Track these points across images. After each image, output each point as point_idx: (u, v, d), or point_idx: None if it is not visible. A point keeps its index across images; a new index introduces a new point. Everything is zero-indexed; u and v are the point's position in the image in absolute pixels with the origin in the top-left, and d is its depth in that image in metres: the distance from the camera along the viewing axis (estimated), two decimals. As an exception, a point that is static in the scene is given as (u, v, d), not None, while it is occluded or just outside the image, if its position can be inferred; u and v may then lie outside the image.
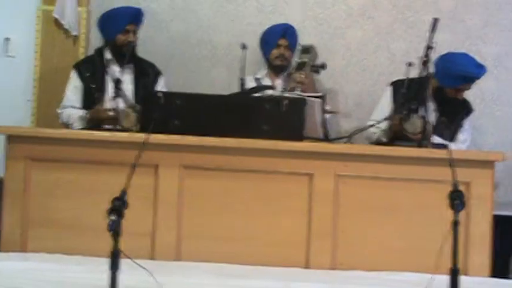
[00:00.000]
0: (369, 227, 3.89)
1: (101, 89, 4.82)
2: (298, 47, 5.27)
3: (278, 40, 5.19)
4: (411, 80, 4.50)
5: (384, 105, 4.87)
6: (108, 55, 4.98)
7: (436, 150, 3.93)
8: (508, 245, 4.56)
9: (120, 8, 5.09)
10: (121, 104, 4.70)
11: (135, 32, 4.97)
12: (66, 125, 4.90)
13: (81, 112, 4.83)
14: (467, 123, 4.89)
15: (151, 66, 5.11)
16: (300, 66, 5.03)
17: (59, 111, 4.96)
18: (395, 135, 4.46)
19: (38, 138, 4.07)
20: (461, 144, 4.81)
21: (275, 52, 5.20)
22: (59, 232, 3.93)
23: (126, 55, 4.80)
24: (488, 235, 3.88)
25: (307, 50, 5.16)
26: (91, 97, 4.86)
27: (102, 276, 2.88)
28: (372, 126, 4.65)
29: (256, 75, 5.26)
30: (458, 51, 4.86)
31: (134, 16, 4.99)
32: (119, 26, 4.94)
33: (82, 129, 4.69)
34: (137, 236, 3.74)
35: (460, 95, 4.75)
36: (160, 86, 5.07)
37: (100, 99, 4.77)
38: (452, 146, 4.13)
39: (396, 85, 4.83)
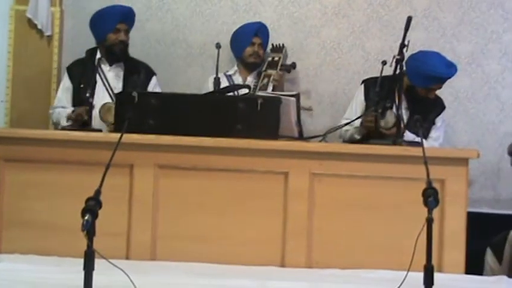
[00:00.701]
0: (344, 225, 3.89)
1: (90, 87, 4.78)
2: (269, 46, 5.30)
3: (252, 38, 5.21)
4: (384, 78, 4.53)
5: (357, 103, 4.91)
6: (98, 54, 4.97)
7: (411, 148, 3.94)
8: (482, 242, 4.59)
9: (110, 7, 5.10)
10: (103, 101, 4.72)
11: (126, 31, 4.98)
12: (56, 125, 4.91)
13: (69, 110, 4.83)
14: (440, 120, 4.92)
15: (145, 66, 5.13)
16: (272, 64, 5.05)
17: (50, 111, 4.99)
18: (369, 133, 4.48)
19: (11, 138, 4.03)
20: (434, 141, 4.85)
21: (249, 50, 5.22)
22: (33, 233, 3.90)
23: (118, 54, 4.80)
24: (463, 232, 3.89)
25: (278, 49, 5.20)
26: (81, 96, 4.84)
27: (76, 277, 2.86)
28: (346, 124, 4.67)
29: (227, 73, 5.27)
30: (429, 50, 4.88)
31: (124, 15, 4.99)
32: (109, 25, 4.95)
33: (65, 128, 4.69)
34: (112, 236, 3.72)
35: (431, 94, 4.78)
36: (152, 85, 5.07)
37: (88, 98, 4.70)
38: (425, 143, 4.15)
39: (367, 83, 4.88)
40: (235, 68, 5.31)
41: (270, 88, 4.98)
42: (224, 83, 5.14)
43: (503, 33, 5.47)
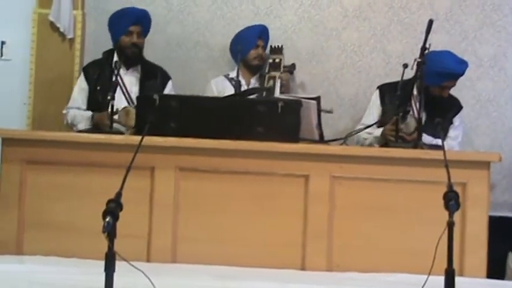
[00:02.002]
0: (365, 228, 3.89)
1: (107, 91, 4.77)
2: (267, 47, 5.29)
3: (257, 41, 5.21)
4: (404, 82, 4.52)
5: (374, 108, 4.93)
6: (116, 57, 4.98)
7: (432, 151, 3.92)
8: (504, 246, 4.56)
9: (123, 9, 5.10)
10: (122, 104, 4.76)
11: (139, 34, 4.96)
12: (71, 126, 4.92)
13: (88, 113, 4.84)
14: (458, 120, 4.92)
15: (160, 70, 5.12)
16: (274, 66, 5.03)
17: (64, 111, 5.00)
18: (388, 142, 4.48)
19: (33, 141, 4.06)
20: (453, 140, 4.85)
21: (253, 52, 5.23)
22: (55, 234, 3.92)
23: (130, 57, 4.79)
24: (485, 236, 3.87)
25: (278, 50, 5.17)
26: (96, 99, 4.85)
27: (97, 278, 2.86)
28: (368, 127, 4.66)
29: (229, 76, 5.25)
30: (440, 50, 4.85)
31: (137, 17, 4.98)
32: (123, 27, 4.95)
33: (82, 131, 4.69)
34: (133, 238, 3.73)
35: (445, 93, 4.77)
36: (168, 90, 5.07)
37: (109, 101, 4.69)
38: (445, 143, 4.12)
39: (382, 88, 4.91)
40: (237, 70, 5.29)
41: (277, 90, 4.96)
42: (227, 86, 5.14)
43: (526, 36, 5.44)
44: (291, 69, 5.27)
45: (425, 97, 4.54)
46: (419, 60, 4.29)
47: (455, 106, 4.92)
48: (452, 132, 4.87)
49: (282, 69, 5.08)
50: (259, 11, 5.55)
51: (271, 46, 5.27)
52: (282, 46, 5.23)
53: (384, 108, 4.85)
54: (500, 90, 5.42)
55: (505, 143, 5.37)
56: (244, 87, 5.07)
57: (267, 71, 5.11)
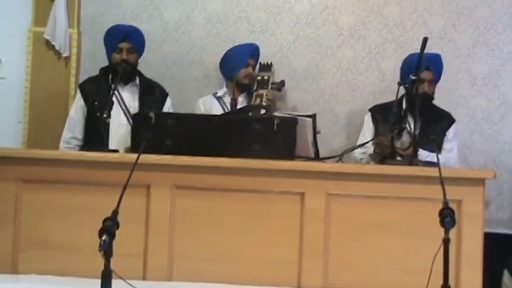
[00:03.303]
0: (361, 245, 3.88)
1: (104, 107, 4.75)
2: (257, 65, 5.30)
3: (248, 59, 5.21)
4: (398, 100, 4.54)
5: (366, 130, 4.96)
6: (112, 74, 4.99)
7: (427, 168, 3.92)
8: (499, 263, 4.56)
9: (113, 27, 5.13)
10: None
11: (129, 50, 4.96)
12: None
13: None
14: (451, 133, 4.94)
15: (158, 86, 5.13)
16: (262, 83, 5.03)
17: (60, 145, 4.95)
18: (383, 158, 4.49)
19: (29, 159, 4.05)
20: (448, 153, 4.87)
21: (244, 71, 5.21)
22: (51, 253, 3.91)
23: (121, 74, 4.78)
24: (480, 253, 3.87)
25: (267, 67, 5.18)
26: (94, 115, 4.83)
27: (93, 297, 2.87)
28: (363, 145, 4.67)
29: (217, 94, 5.25)
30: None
31: (124, 34, 4.99)
32: (112, 45, 4.97)
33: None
34: (129, 257, 3.72)
35: (427, 88, 4.78)
36: (167, 106, 5.07)
37: (105, 118, 4.65)
38: (440, 156, 4.12)
39: (373, 110, 4.98)
40: (225, 89, 5.28)
41: (266, 107, 4.96)
42: (215, 105, 5.15)
43: (519, 53, 5.47)
44: (279, 86, 5.26)
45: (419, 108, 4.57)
46: (413, 77, 4.30)
47: (446, 119, 4.96)
48: (447, 145, 4.90)
49: (269, 86, 5.08)
50: (255, 29, 5.57)
51: (260, 63, 5.28)
52: (271, 63, 5.24)
53: (376, 126, 4.87)
54: (494, 108, 5.44)
55: (499, 160, 5.39)
56: (233, 106, 5.08)
57: (254, 88, 5.11)
